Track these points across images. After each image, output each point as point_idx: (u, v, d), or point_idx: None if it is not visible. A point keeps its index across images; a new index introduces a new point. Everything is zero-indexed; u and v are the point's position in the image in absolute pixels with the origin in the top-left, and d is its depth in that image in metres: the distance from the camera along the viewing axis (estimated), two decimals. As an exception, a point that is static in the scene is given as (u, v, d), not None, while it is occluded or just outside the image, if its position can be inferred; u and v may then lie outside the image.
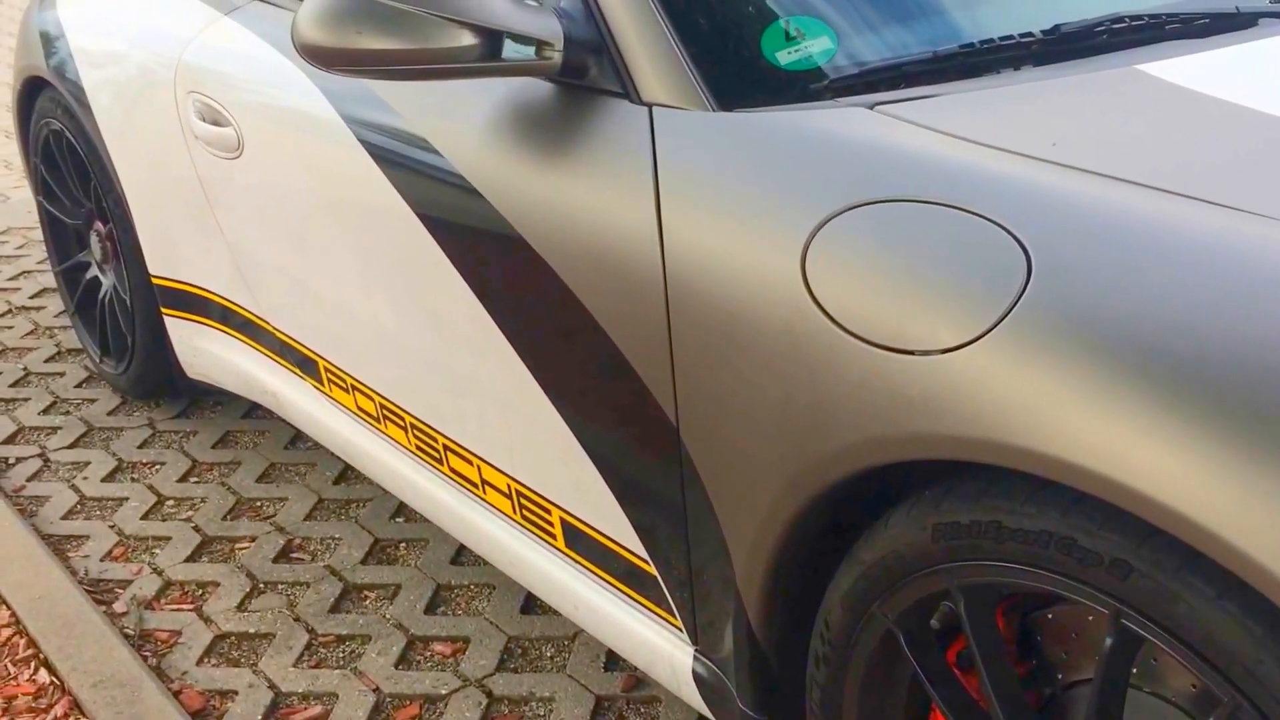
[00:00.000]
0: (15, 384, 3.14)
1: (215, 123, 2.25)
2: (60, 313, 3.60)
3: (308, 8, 1.56)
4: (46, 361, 3.29)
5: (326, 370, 2.22)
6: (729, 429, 1.35)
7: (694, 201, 1.38)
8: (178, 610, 2.21)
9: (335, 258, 2.04)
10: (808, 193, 1.28)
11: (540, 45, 1.56)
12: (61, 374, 3.21)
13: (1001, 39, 1.53)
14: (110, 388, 3.09)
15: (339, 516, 2.52)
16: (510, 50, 1.57)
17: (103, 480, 2.66)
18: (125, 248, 2.71)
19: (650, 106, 1.51)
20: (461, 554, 2.36)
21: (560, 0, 1.63)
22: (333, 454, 2.72)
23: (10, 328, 3.51)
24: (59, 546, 2.40)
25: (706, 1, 1.58)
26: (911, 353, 1.13)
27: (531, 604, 2.21)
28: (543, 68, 1.57)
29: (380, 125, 1.85)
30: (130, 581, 2.29)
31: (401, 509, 2.53)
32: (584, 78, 1.59)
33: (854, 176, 1.27)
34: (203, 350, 2.64)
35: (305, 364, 2.29)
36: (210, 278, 2.52)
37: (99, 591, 2.25)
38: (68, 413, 2.99)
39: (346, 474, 2.68)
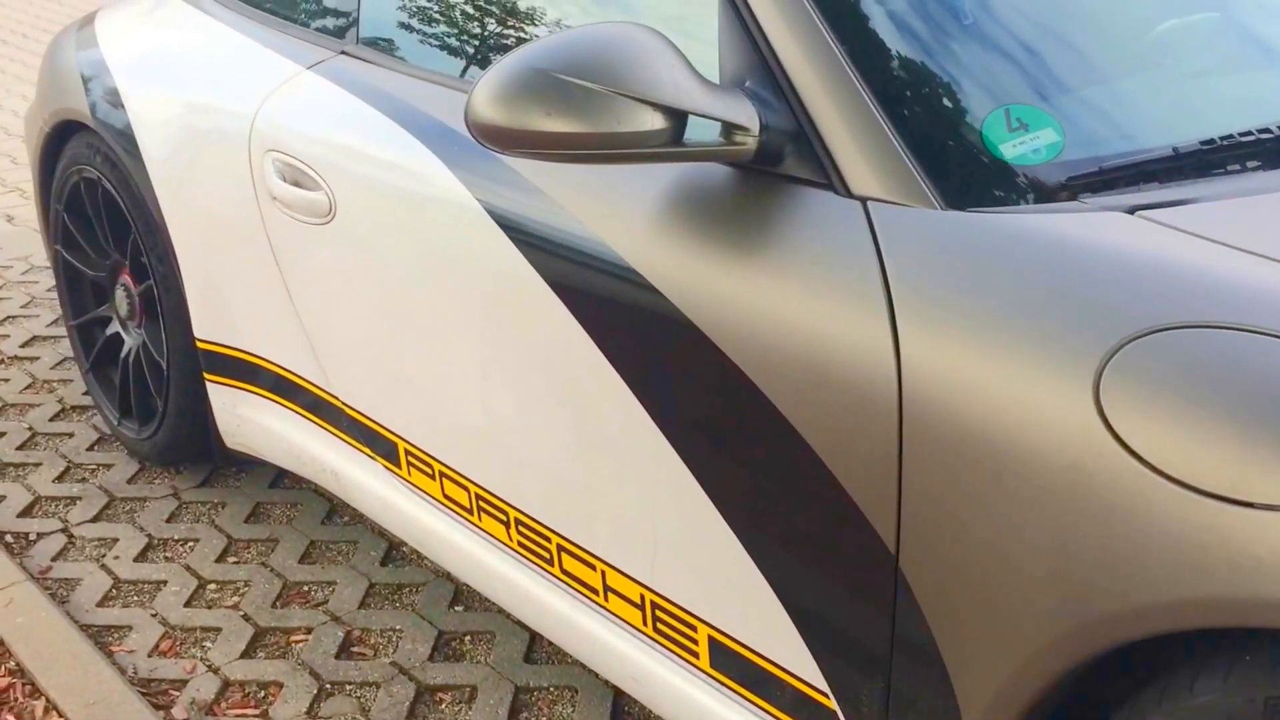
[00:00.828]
0: (23, 446, 2.92)
1: (299, 184, 2.09)
2: (57, 364, 3.38)
3: (486, 86, 1.43)
4: (51, 420, 3.07)
5: (408, 453, 2.05)
6: (973, 569, 1.22)
7: (940, 312, 1.25)
8: (242, 715, 2.01)
9: (443, 339, 1.88)
10: (1094, 311, 1.16)
11: (733, 130, 1.44)
12: (70, 434, 2.99)
13: (1241, 135, 1.42)
14: (127, 451, 2.88)
15: (394, 604, 2.34)
16: (701, 134, 1.45)
17: (135, 560, 2.46)
18: (167, 308, 2.52)
19: (864, 200, 1.38)
20: (534, 651, 2.20)
21: (745, 80, 1.51)
22: (375, 531, 2.55)
23: (6, 380, 3.28)
24: (101, 638, 2.20)
25: (921, 87, 1.46)
26: (1252, 505, 1.01)
27: (619, 707, 2.04)
28: (734, 154, 1.45)
29: (519, 201, 1.71)
30: (186, 681, 2.09)
31: (460, 596, 2.36)
32: (778, 165, 1.47)
33: (1150, 294, 1.15)
34: (249, 420, 2.46)
35: (379, 444, 2.12)
36: (268, 345, 2.34)
37: (153, 693, 2.05)
38: (84, 479, 2.78)
39: (392, 554, 2.50)
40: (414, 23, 2.19)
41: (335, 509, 2.66)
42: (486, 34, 2.06)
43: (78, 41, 2.81)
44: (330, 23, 2.30)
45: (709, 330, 1.46)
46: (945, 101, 1.47)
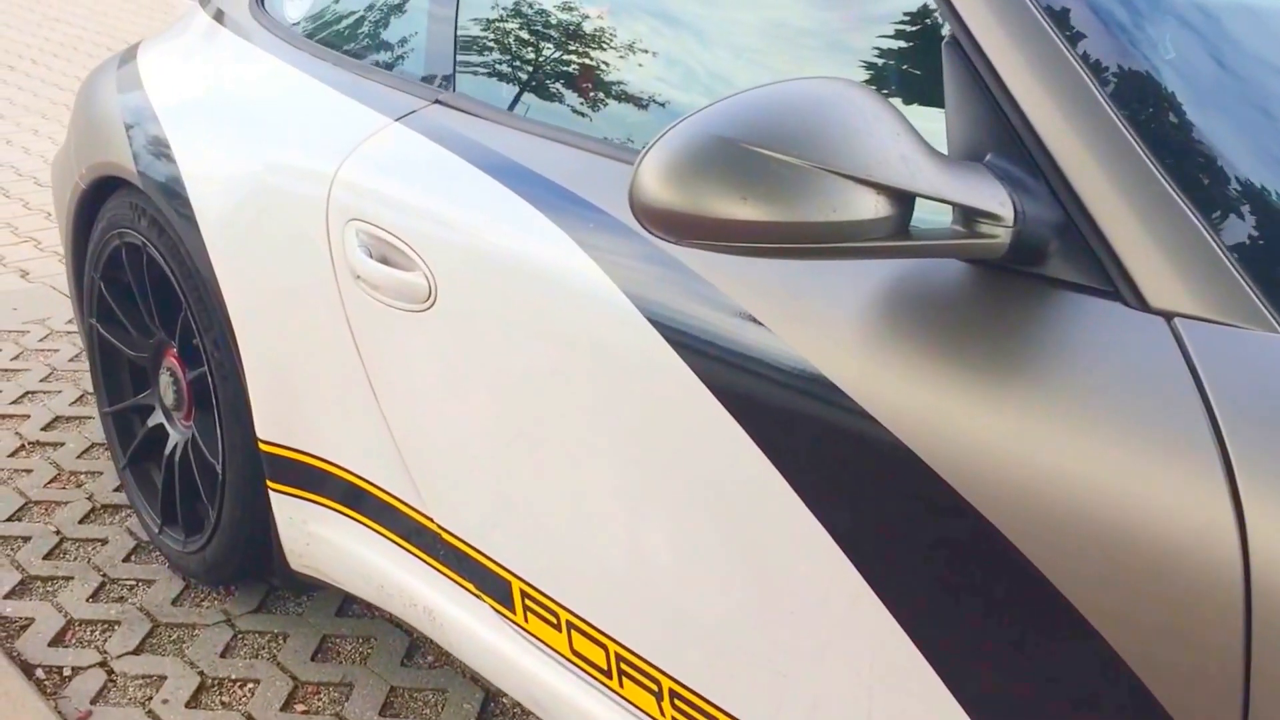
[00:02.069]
0: (51, 554, 2.77)
1: (389, 262, 1.91)
2: (85, 451, 3.24)
3: (657, 161, 1.22)
4: (81, 522, 2.91)
5: (526, 595, 1.86)
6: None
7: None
8: None
9: (576, 459, 1.68)
10: None
11: (977, 218, 1.23)
12: (103, 541, 2.83)
13: None
14: (169, 564, 2.71)
15: (497, 768, 2.14)
16: (930, 219, 1.25)
17: (188, 705, 2.27)
18: (224, 400, 2.35)
19: (1168, 316, 1.17)
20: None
21: (986, 153, 1.31)
22: (467, 677, 2.35)
23: (28, 471, 3.14)
24: (154, 813, 2.01)
25: (1243, 170, 1.25)
26: None
27: None
28: (980, 249, 1.24)
29: (679, 295, 1.51)
30: None
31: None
32: (1037, 265, 1.25)
33: None
34: (321, 539, 2.27)
35: (488, 581, 1.92)
36: (348, 452, 2.16)
37: None
38: (121, 599, 2.61)
39: (488, 708, 2.30)
40: (525, 64, 2.01)
41: (416, 645, 2.47)
42: (621, 78, 1.88)
43: (119, 82, 2.67)
44: (421, 65, 2.12)
45: (948, 474, 1.24)
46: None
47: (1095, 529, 1.13)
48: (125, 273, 2.59)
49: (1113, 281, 1.20)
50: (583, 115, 1.88)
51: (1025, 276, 1.26)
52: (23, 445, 3.26)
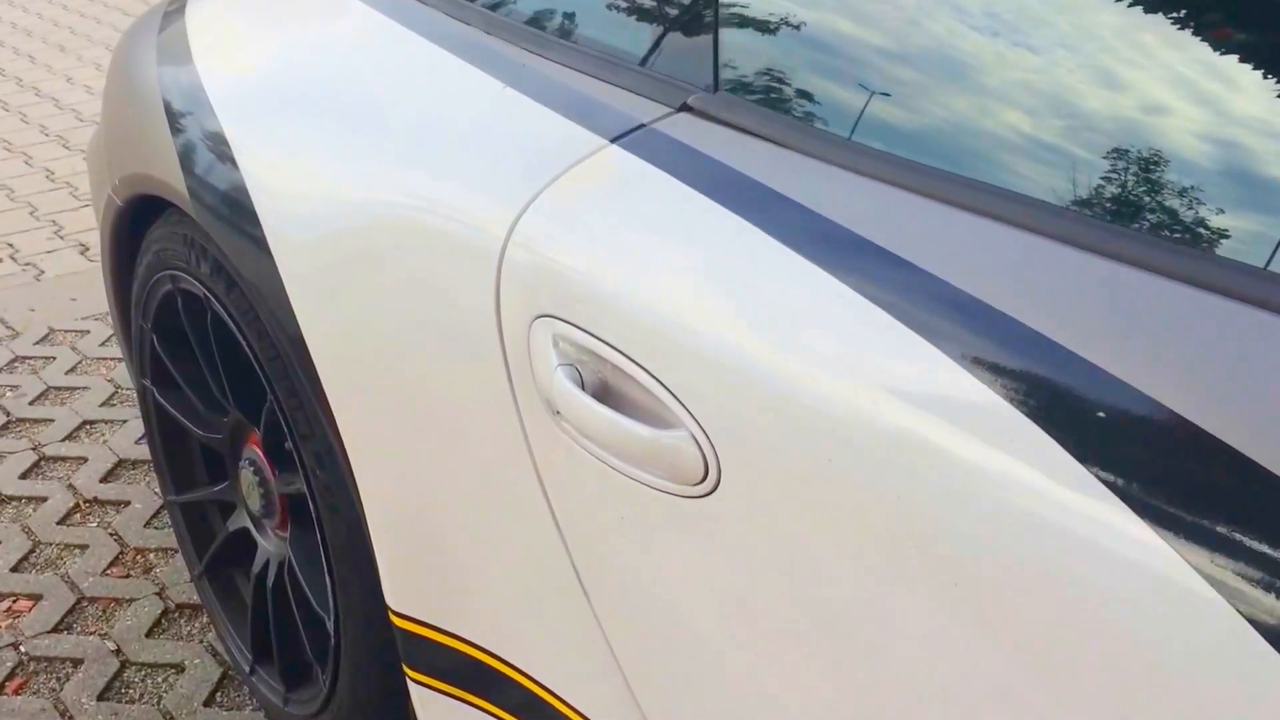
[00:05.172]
0: (109, 691, 2.01)
1: (617, 398, 1.08)
2: (151, 519, 2.47)
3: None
4: (149, 635, 2.16)
5: None
6: None
7: None
8: None
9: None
10: None
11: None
12: (179, 669, 2.07)
13: None
14: (265, 712, 1.95)
15: None
16: None
17: None
18: (336, 544, 1.55)
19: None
20: None
21: None
22: None
23: (81, 548, 2.38)
24: None
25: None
26: None
27: None
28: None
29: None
30: None
31: None
32: None
33: None
34: (489, 760, 1.47)
35: None
36: (529, 652, 1.34)
37: None
38: None
39: None
40: (835, 54, 1.15)
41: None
42: (1014, 88, 1.01)
43: (159, 51, 1.83)
44: (653, 50, 1.26)
45: None
46: None
47: None
48: (184, 326, 1.78)
49: None
50: (958, 139, 1.02)
51: None
52: (77, 505, 2.50)
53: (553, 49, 1.33)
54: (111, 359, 3.05)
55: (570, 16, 1.38)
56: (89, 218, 3.84)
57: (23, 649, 2.12)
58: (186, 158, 1.59)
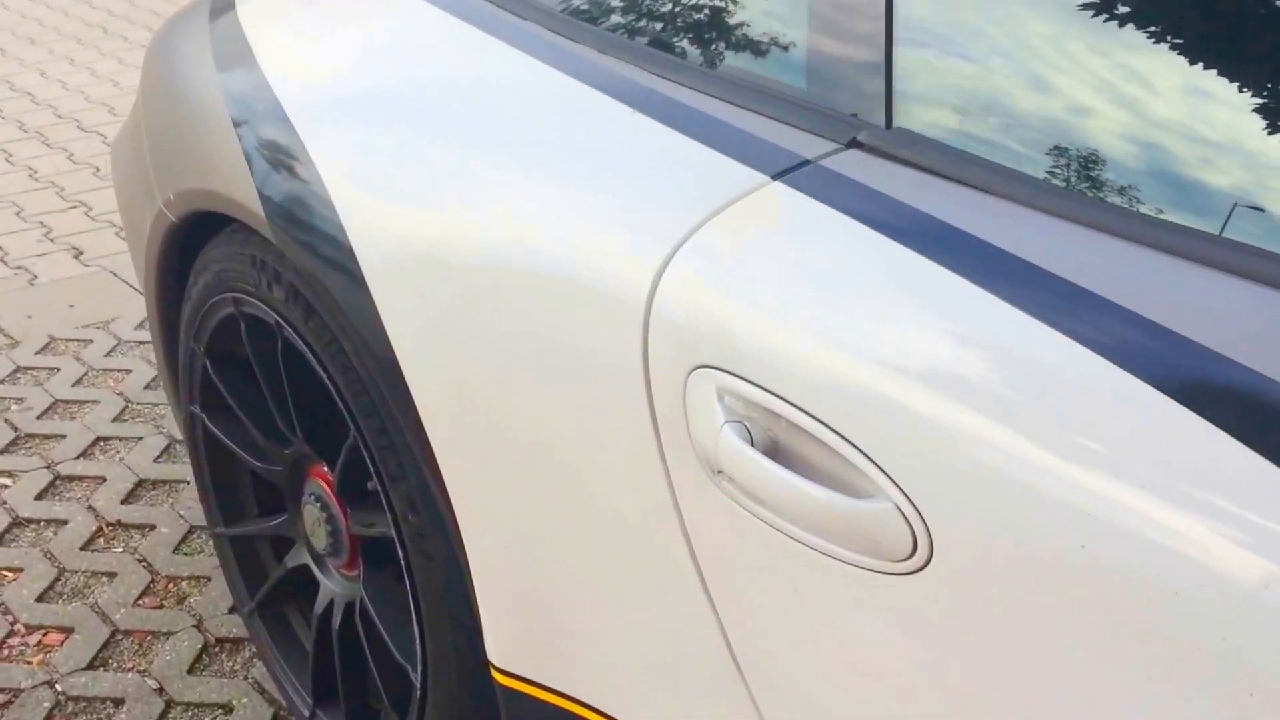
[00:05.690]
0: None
1: (789, 453, 0.99)
2: (179, 543, 2.37)
3: None
4: (191, 672, 2.05)
5: None
6: None
7: None
8: None
9: None
10: None
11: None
12: (226, 710, 1.97)
13: None
14: (328, 760, 1.85)
15: None
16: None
17: None
18: (426, 590, 1.45)
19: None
20: None
21: None
22: None
23: (110, 575, 2.27)
24: None
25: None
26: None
27: None
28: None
29: None
30: None
31: None
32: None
33: None
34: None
35: None
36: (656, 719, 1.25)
37: None
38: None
39: None
40: (1022, 88, 1.06)
41: None
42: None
43: (216, 53, 1.71)
44: (813, 80, 1.16)
45: None
46: None
47: None
48: (243, 350, 1.67)
49: None
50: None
51: None
52: (100, 529, 2.39)
53: (686, 74, 1.23)
54: (119, 370, 2.93)
55: (706, 39, 1.28)
56: (79, 219, 3.71)
57: (59, 688, 2.01)
58: (261, 174, 1.48)
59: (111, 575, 2.27)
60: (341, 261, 1.36)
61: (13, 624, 2.14)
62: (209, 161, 1.59)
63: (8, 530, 2.38)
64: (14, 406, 2.77)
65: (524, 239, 1.20)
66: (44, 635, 2.13)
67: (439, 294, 1.27)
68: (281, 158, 1.47)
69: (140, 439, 2.66)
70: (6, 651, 2.08)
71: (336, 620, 1.71)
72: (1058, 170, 0.99)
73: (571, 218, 1.17)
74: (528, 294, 1.19)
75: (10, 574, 2.27)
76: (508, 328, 1.21)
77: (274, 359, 1.58)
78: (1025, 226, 0.95)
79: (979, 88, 1.07)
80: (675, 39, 1.30)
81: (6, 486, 2.51)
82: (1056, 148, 1.00)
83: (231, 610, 2.15)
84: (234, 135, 1.54)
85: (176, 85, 1.74)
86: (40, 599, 2.21)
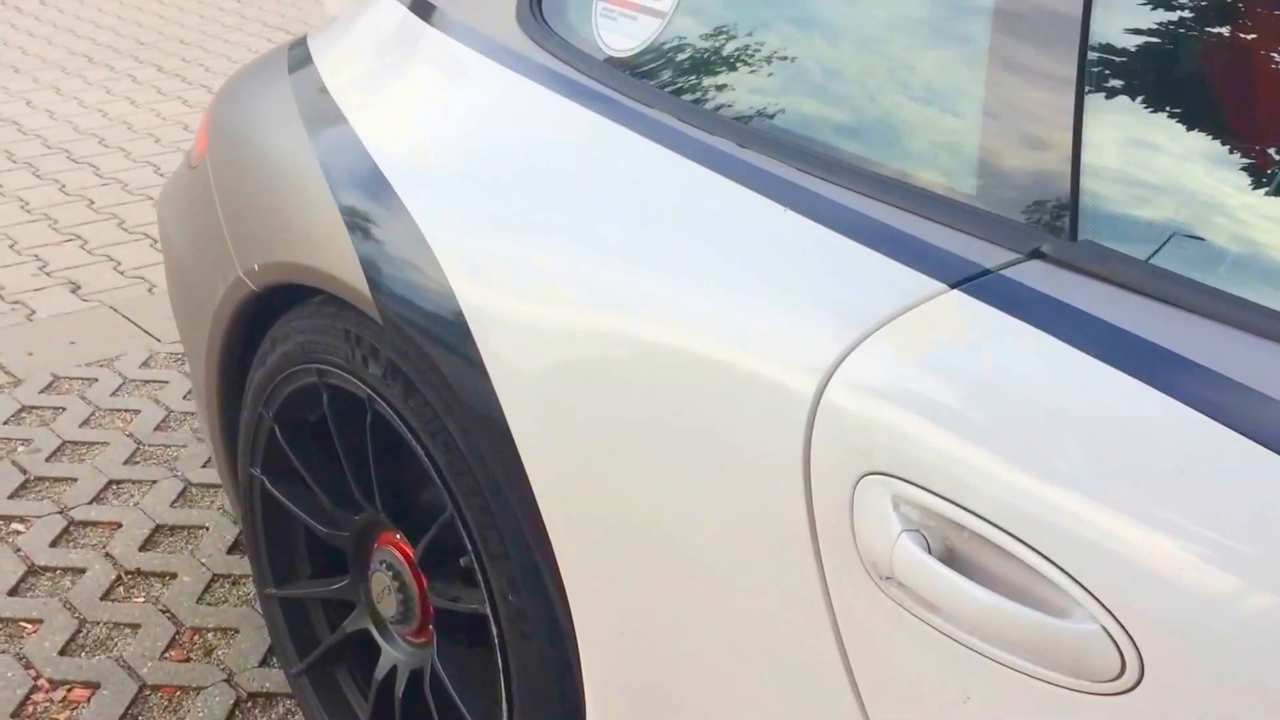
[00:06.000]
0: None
1: (973, 567, 0.99)
2: (205, 590, 2.32)
3: None
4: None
5: None
6: None
7: None
8: None
9: None
10: None
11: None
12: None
13: None
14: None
15: None
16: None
17: None
18: (523, 673, 1.43)
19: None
20: None
21: None
22: None
23: (133, 627, 2.22)
24: None
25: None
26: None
27: None
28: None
29: None
30: None
31: None
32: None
33: None
34: None
35: None
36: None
37: None
38: None
39: None
40: (1214, 203, 1.08)
41: None
42: None
43: (304, 114, 1.69)
44: (989, 187, 1.16)
45: None
46: None
47: None
48: (321, 419, 1.65)
49: None
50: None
51: None
52: (119, 578, 2.34)
53: (843, 173, 1.23)
54: (127, 410, 2.88)
55: (867, 138, 1.28)
56: (75, 252, 3.66)
57: (92, 749, 1.96)
58: (367, 254, 1.47)
59: (135, 627, 2.22)
60: (457, 345, 1.35)
61: (35, 679, 2.09)
62: (306, 235, 1.57)
63: (24, 579, 2.33)
64: (21, 448, 2.72)
65: (669, 332, 1.19)
66: (69, 691, 2.08)
67: (564, 379, 1.27)
68: (392, 238, 1.45)
69: (154, 482, 2.62)
70: (31, 708, 2.03)
71: (400, 688, 1.69)
72: (1242, 281, 1.00)
73: (714, 312, 1.17)
74: (667, 384, 1.19)
75: (30, 625, 2.21)
76: (641, 416, 1.21)
77: (364, 433, 1.55)
78: (1219, 341, 0.96)
79: (1170, 202, 1.08)
80: (823, 134, 1.30)
81: (20, 533, 2.45)
82: (1241, 260, 1.02)
83: (262, 664, 2.11)
84: (335, 209, 1.52)
85: (260, 151, 1.72)
86: (63, 652, 2.16)
